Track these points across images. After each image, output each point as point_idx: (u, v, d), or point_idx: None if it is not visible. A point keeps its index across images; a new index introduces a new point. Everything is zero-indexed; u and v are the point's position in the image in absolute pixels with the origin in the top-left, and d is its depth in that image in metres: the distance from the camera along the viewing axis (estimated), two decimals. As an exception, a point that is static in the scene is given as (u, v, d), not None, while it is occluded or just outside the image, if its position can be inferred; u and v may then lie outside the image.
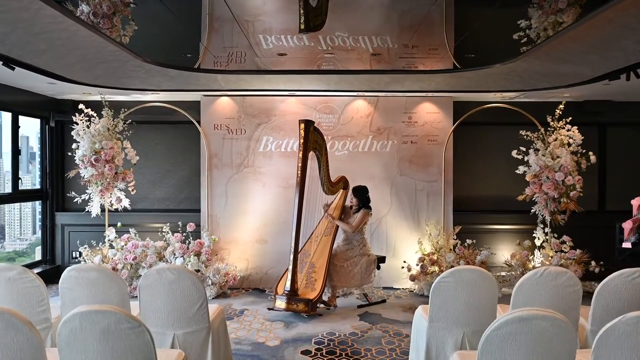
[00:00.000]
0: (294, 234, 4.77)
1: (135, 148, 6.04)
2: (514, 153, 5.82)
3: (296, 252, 4.77)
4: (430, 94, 6.00)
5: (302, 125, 4.83)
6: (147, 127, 6.59)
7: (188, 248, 5.63)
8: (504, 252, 6.27)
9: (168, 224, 5.92)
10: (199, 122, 6.15)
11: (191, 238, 5.81)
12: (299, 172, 4.81)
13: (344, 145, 6.12)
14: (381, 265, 5.40)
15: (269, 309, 4.84)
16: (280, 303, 4.69)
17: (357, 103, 6.12)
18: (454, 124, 6.10)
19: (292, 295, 4.68)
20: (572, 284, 3.07)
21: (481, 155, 6.58)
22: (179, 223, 5.90)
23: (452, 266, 5.54)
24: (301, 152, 4.82)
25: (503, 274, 5.97)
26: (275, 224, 6.04)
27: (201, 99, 6.13)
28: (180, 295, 2.98)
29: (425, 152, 6.12)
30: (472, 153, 6.53)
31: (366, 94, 5.99)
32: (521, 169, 5.83)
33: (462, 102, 6.23)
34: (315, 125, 4.94)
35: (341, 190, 5.49)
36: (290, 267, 4.75)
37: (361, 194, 5.24)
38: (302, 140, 4.83)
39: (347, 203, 5.42)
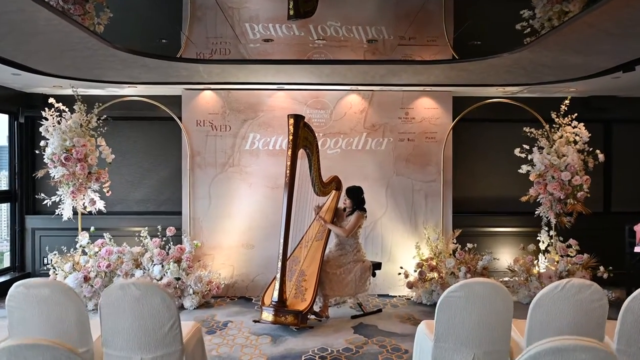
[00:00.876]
0: (282, 239, 4.36)
1: (112, 146, 5.60)
2: (516, 151, 5.46)
3: (284, 259, 4.37)
4: (428, 89, 5.62)
5: (292, 121, 4.42)
6: (125, 123, 6.14)
7: (168, 254, 5.20)
8: (506, 257, 5.91)
9: (147, 228, 5.51)
10: (180, 118, 5.72)
11: (171, 243, 5.38)
12: (288, 171, 4.40)
13: (336, 142, 5.72)
14: (377, 272, 5.01)
15: (255, 321, 4.43)
16: (267, 315, 4.28)
17: (350, 98, 5.73)
18: (453, 121, 5.73)
19: (280, 306, 4.28)
20: (598, 298, 2.71)
21: (482, 154, 6.22)
22: (159, 227, 5.45)
23: (452, 272, 5.18)
24: (290, 150, 4.41)
25: (506, 279, 5.61)
26: (263, 227, 5.63)
27: (182, 92, 5.70)
28: (147, 314, 2.56)
29: (423, 150, 5.74)
30: (473, 151, 6.17)
31: (360, 87, 5.60)
32: (524, 168, 5.49)
33: (461, 97, 5.86)
34: (305, 120, 4.55)
35: (333, 191, 5.11)
36: (278, 276, 4.35)
37: (355, 195, 4.85)
38: (291, 137, 4.43)
39: (340, 205, 5.03)
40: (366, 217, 4.86)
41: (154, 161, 6.22)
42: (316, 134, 4.78)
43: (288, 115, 4.45)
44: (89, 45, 4.14)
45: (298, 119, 4.43)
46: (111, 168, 5.96)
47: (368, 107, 5.73)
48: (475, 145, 6.18)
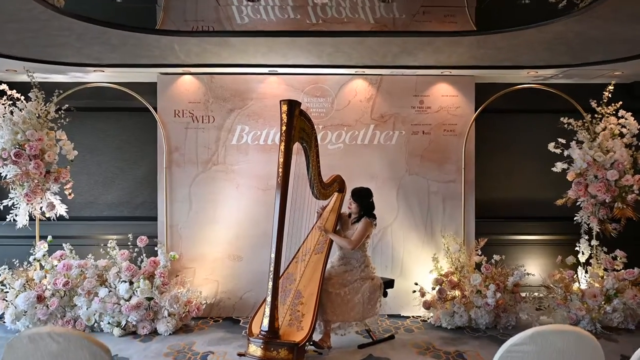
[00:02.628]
0: (273, 254, 3.56)
1: (79, 141, 4.85)
2: (550, 146, 4.67)
3: (276, 277, 3.56)
4: (447, 72, 4.82)
5: (285, 107, 3.62)
6: (94, 115, 5.35)
7: (140, 268, 4.40)
8: (536, 270, 5.12)
9: (115, 237, 4.74)
10: (155, 108, 4.92)
11: (144, 255, 4.58)
12: (281, 169, 3.60)
13: (338, 136, 4.93)
14: (389, 291, 4.22)
15: (240, 354, 3.63)
16: (255, 349, 3.48)
17: (355, 84, 4.93)
18: (476, 110, 4.93)
19: (271, 337, 3.48)
20: None
21: (508, 149, 5.41)
22: (129, 235, 4.67)
23: (478, 291, 4.39)
24: (283, 143, 3.61)
25: (536, 294, 4.81)
26: (253, 236, 4.84)
27: (158, 78, 4.90)
28: (70, 377, 1.77)
29: (440, 145, 4.95)
30: (497, 146, 5.37)
31: (367, 71, 4.80)
32: (559, 166, 4.69)
33: (485, 84, 5.06)
34: (302, 109, 3.75)
35: (335, 194, 4.32)
36: (269, 299, 3.55)
37: (363, 198, 4.06)
38: (284, 128, 3.62)
39: (345, 210, 4.24)
40: (375, 224, 4.07)
41: (128, 159, 5.42)
42: (315, 126, 3.99)
43: (281, 101, 3.65)
44: (34, 13, 3.35)
45: (293, 106, 3.63)
46: (78, 167, 5.24)
47: (376, 94, 4.93)
48: (500, 140, 5.38)
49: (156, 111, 4.89)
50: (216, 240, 4.89)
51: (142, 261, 4.54)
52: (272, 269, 3.55)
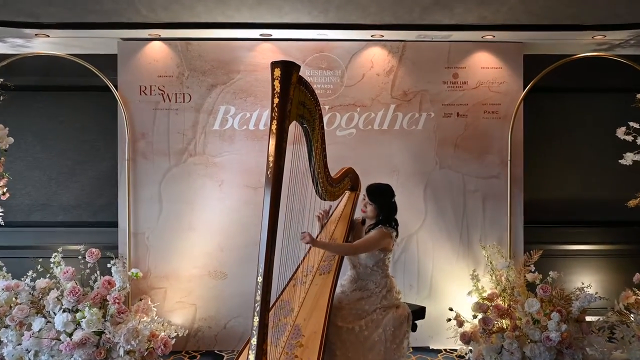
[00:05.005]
0: (260, 276, 2.55)
1: (28, 127, 4.01)
2: (620, 132, 3.69)
3: (265, 310, 2.55)
4: (490, 35, 3.79)
5: (278, 71, 2.60)
6: (46, 96, 4.39)
7: (85, 293, 3.40)
8: (596, 287, 4.09)
9: (75, 247, 3.77)
10: (116, 86, 3.93)
11: (98, 272, 3.59)
12: (272, 158, 2.57)
13: (350, 120, 3.94)
14: (419, 322, 3.21)
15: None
16: (234, 415, 2.49)
17: (371, 52, 3.93)
18: (525, 87, 3.93)
19: (258, 397, 2.48)
20: None
21: (562, 137, 4.39)
22: (81, 248, 3.69)
23: (535, 320, 3.37)
24: (275, 122, 2.58)
25: (600, 318, 3.78)
26: (240, 246, 3.85)
27: (118, 45, 3.92)
28: None
29: (479, 131, 3.95)
30: (549, 133, 4.35)
31: (386, 34, 3.78)
32: (629, 158, 3.70)
33: (535, 56, 4.05)
34: (302, 76, 2.75)
35: (347, 193, 3.33)
36: (254, 341, 2.53)
37: (383, 197, 3.03)
38: (277, 100, 2.60)
39: (358, 214, 3.24)
40: (396, 235, 3.05)
41: (88, 150, 4.43)
42: (321, 105, 3.00)
43: (272, 63, 2.64)
44: None
45: (289, 69, 2.61)
46: (27, 160, 4.37)
47: (398, 65, 3.93)
48: (552, 125, 4.36)
49: (116, 88, 3.91)
50: (194, 253, 3.92)
51: (95, 280, 3.56)
52: (258, 297, 2.53)
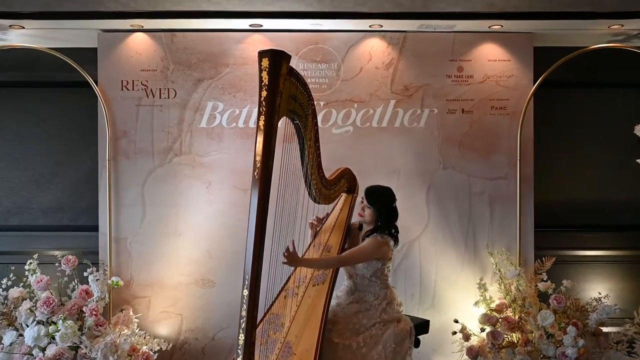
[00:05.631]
0: (246, 289, 2.30)
1: (5, 126, 3.91)
2: (638, 130, 3.45)
3: (252, 325, 2.30)
4: (498, 25, 3.53)
5: (266, 61, 2.35)
6: (24, 92, 4.14)
7: (62, 303, 3.16)
8: (611, 294, 3.82)
9: (56, 252, 3.54)
10: (96, 81, 3.69)
11: (76, 281, 3.36)
12: (259, 158, 2.33)
13: (346, 116, 3.69)
14: (422, 337, 2.97)
15: None
16: None
17: (369, 44, 3.68)
18: (536, 81, 3.67)
19: None
20: None
21: (574, 135, 4.12)
22: (57, 254, 3.46)
23: (549, 334, 3.12)
24: (263, 118, 2.34)
25: (616, 330, 3.53)
26: (230, 252, 3.60)
27: (98, 37, 3.67)
28: None
29: (486, 128, 3.70)
30: (560, 131, 4.09)
31: (386, 24, 3.52)
32: (647, 158, 3.46)
33: (546, 48, 3.79)
34: (293, 67, 2.50)
35: (343, 195, 3.09)
36: (240, 361, 2.29)
37: (382, 200, 2.79)
38: (265, 93, 2.35)
39: (354, 218, 2.99)
40: (396, 244, 2.80)
41: (69, 150, 4.15)
42: (315, 101, 2.76)
43: (260, 53, 2.39)
44: None
45: (278, 59, 2.36)
46: (5, 160, 4.12)
47: (398, 58, 3.68)
48: (563, 122, 4.10)
49: (96, 83, 3.66)
50: (179, 259, 3.67)
51: (74, 289, 3.33)
52: (244, 313, 2.29)
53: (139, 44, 3.67)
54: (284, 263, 2.57)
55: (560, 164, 4.07)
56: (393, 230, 2.76)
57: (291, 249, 2.54)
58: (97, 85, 3.65)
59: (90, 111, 3.96)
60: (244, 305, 2.29)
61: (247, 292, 2.30)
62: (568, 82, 3.93)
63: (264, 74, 2.35)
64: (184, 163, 3.68)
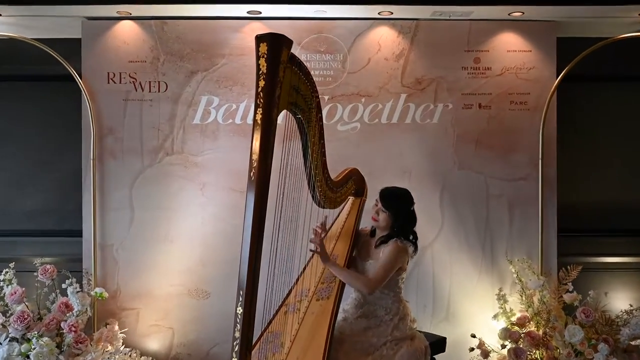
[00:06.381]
0: (240, 307, 2.03)
1: None
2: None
3: (246, 348, 2.03)
4: (518, 11, 3.25)
5: (264, 46, 2.08)
6: (4, 87, 3.87)
7: (40, 317, 2.89)
8: (637, 304, 3.55)
9: (40, 259, 3.32)
10: (80, 73, 3.42)
11: (57, 292, 3.08)
12: (256, 156, 2.06)
13: (353, 112, 3.42)
14: (439, 355, 2.69)
15: None
16: None
17: (378, 33, 3.41)
18: (559, 74, 3.39)
19: None
20: None
21: (598, 133, 3.84)
22: (36, 262, 3.19)
23: (578, 352, 2.84)
24: (261, 111, 2.07)
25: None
26: (225, 261, 3.33)
27: (82, 25, 3.41)
28: None
29: (505, 125, 3.43)
30: (583, 128, 3.80)
31: (396, 11, 3.25)
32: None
33: (569, 39, 3.51)
34: (296, 55, 2.22)
35: (350, 198, 2.82)
36: (234, 389, 2.02)
37: (399, 204, 2.52)
38: (262, 83, 2.08)
39: (364, 224, 2.72)
40: (415, 252, 2.53)
41: (53, 148, 3.90)
42: (320, 95, 2.49)
43: (257, 37, 2.12)
44: None
45: (278, 44, 2.09)
46: None
47: (409, 48, 3.41)
48: (587, 118, 3.81)
49: (80, 77, 3.39)
50: (171, 268, 3.41)
51: (54, 302, 3.06)
52: (237, 334, 2.02)
53: (126, 32, 3.40)
54: (312, 250, 2.46)
55: (585, 163, 3.79)
56: (411, 237, 2.49)
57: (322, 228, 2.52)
58: (81, 78, 3.38)
59: (75, 107, 3.70)
60: (238, 325, 2.03)
61: (241, 310, 2.04)
62: (593, 75, 3.67)
63: (262, 61, 2.08)
64: (176, 163, 3.42)
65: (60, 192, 3.90)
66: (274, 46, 2.10)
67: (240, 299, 2.06)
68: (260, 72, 2.09)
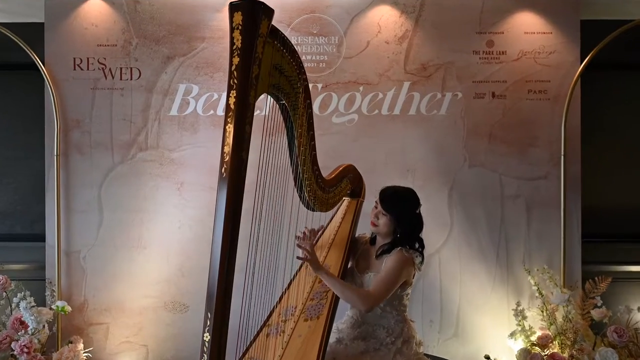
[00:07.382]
0: (208, 334, 1.68)
1: None
2: None
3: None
4: (538, -12, 2.94)
5: (238, 16, 1.73)
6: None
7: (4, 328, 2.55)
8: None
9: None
10: (43, 61, 3.09)
11: (12, 306, 2.74)
12: (228, 149, 1.71)
13: (350, 102, 3.09)
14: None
15: None
16: None
17: (378, 12, 3.10)
18: (583, 60, 3.04)
19: None
20: None
21: (625, 128, 3.50)
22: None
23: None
24: (235, 93, 1.72)
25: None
26: (205, 269, 2.90)
27: (45, 5, 3.09)
28: None
29: (522, 117, 3.13)
30: (607, 122, 3.47)
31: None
32: None
33: (594, 22, 3.19)
34: (279, 29, 1.88)
35: (346, 200, 2.48)
36: None
37: (403, 206, 2.16)
38: (237, 60, 1.73)
39: (361, 230, 2.36)
40: (421, 263, 2.17)
41: (19, 145, 3.60)
42: (312, 85, 2.16)
43: (231, 5, 1.77)
44: None
45: (256, 13, 1.74)
46: None
47: (414, 30, 3.08)
48: (615, 109, 3.48)
49: (43, 63, 3.05)
50: (145, 278, 3.10)
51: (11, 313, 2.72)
52: (205, 365, 1.68)
53: (95, 13, 3.11)
54: (298, 258, 2.07)
55: (611, 160, 3.48)
56: (417, 245, 2.14)
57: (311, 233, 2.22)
58: (43, 66, 3.04)
59: (41, 99, 3.37)
60: (205, 356, 1.67)
61: (208, 337, 1.69)
62: (621, 62, 3.35)
63: (236, 34, 1.74)
64: (150, 159, 3.12)
65: (31, 192, 3.60)
66: (251, 16, 1.76)
67: (208, 322, 1.71)
68: (235, 46, 1.75)
